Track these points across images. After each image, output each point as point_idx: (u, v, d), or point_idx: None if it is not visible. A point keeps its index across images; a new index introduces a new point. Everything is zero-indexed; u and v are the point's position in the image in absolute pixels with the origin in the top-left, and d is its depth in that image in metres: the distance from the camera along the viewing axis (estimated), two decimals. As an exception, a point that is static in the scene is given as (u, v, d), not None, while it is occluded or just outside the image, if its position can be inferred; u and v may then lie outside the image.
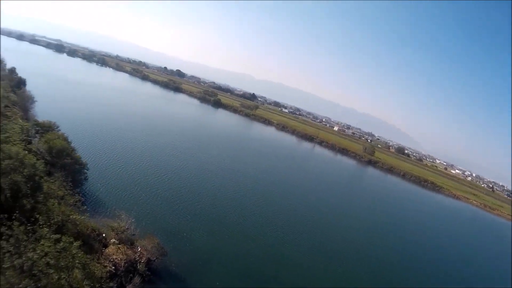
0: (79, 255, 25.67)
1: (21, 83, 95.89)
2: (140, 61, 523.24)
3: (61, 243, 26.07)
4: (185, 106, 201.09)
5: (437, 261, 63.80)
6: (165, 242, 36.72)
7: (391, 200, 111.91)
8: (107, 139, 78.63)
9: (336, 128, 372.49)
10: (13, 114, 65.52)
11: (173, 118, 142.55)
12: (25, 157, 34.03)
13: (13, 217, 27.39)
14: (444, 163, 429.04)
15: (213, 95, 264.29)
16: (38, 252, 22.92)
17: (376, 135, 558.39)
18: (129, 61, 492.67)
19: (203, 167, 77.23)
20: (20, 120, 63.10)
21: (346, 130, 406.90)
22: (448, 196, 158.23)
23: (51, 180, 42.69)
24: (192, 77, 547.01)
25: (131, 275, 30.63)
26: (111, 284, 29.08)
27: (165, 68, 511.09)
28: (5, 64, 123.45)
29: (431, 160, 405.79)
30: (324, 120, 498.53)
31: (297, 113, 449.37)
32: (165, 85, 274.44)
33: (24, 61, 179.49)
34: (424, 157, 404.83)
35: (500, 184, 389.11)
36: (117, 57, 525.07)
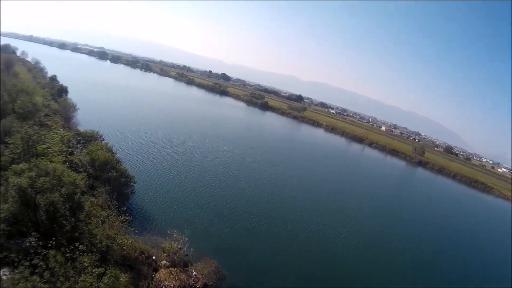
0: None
1: (62, 91, 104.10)
2: (184, 66, 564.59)
3: (106, 278, 24.96)
4: (233, 110, 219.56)
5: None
6: (222, 263, 37.49)
7: (447, 204, 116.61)
8: (153, 146, 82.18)
9: (383, 128, 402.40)
10: (53, 123, 69.43)
11: (222, 122, 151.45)
12: (63, 174, 33.67)
13: (50, 244, 26.09)
14: (491, 162, 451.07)
15: (260, 97, 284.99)
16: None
17: (422, 134, 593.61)
18: (173, 66, 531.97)
19: (256, 174, 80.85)
20: (61, 130, 66.51)
21: (394, 130, 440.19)
22: (499, 197, 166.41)
23: (95, 196, 42.47)
24: (237, 80, 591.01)
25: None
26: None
27: (210, 72, 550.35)
28: (46, 72, 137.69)
29: (478, 159, 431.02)
30: (370, 120, 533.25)
31: (344, 113, 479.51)
32: (211, 89, 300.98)
33: (65, 68, 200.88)
34: (471, 156, 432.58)
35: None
36: (160, 62, 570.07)
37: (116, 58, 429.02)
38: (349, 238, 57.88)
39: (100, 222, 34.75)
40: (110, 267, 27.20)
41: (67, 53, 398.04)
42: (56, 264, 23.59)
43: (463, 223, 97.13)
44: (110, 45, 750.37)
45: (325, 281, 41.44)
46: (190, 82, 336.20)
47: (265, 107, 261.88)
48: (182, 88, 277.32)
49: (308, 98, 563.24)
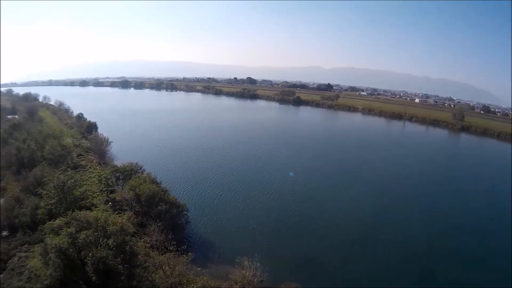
0: None
1: (91, 127, 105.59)
2: (209, 78, 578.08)
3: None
4: (267, 111, 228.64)
5: None
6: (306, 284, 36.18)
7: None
8: (196, 164, 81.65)
9: (417, 100, 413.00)
10: (88, 163, 69.11)
11: (260, 125, 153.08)
12: (107, 223, 31.26)
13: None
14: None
15: (291, 94, 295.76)
16: None
17: (455, 98, 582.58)
18: (197, 81, 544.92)
19: (309, 175, 79.01)
20: (97, 168, 65.61)
21: (427, 100, 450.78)
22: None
23: (147, 234, 39.98)
24: (263, 81, 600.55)
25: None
26: None
27: (235, 78, 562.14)
28: (72, 112, 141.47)
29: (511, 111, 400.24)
30: (402, 94, 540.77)
31: (376, 93, 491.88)
32: (240, 95, 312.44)
33: (90, 104, 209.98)
34: (507, 111, 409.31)
35: None
36: (184, 79, 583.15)
37: (139, 84, 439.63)
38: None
39: (159, 264, 32.36)
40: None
41: (90, 89, 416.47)
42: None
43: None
44: (131, 73, 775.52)
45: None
46: (218, 92, 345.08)
47: (298, 102, 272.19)
48: (211, 100, 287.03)
49: (336, 85, 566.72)
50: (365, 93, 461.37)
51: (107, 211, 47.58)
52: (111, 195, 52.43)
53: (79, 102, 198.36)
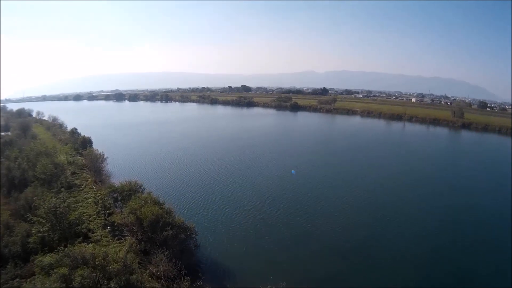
0: None
1: (86, 142, 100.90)
2: (203, 87, 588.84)
3: None
4: (266, 117, 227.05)
5: None
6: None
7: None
8: (198, 177, 77.86)
9: (413, 100, 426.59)
10: (82, 181, 64.44)
11: (261, 132, 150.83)
12: (106, 260, 27.30)
13: None
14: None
15: (287, 99, 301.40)
16: None
17: (450, 96, 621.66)
18: (192, 90, 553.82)
19: (320, 184, 75.42)
20: (93, 187, 60.96)
21: (423, 99, 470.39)
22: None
23: (152, 263, 35.58)
24: (258, 88, 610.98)
25: None
26: None
27: (230, 87, 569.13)
28: (66, 127, 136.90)
29: (510, 106, 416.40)
30: (397, 95, 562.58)
31: (371, 95, 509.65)
32: (236, 103, 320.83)
33: (84, 118, 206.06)
34: (503, 105, 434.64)
35: None
36: (178, 90, 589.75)
37: (133, 97, 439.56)
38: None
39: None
40: None
41: (84, 103, 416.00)
42: None
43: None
44: (125, 85, 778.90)
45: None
46: (213, 101, 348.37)
47: (296, 108, 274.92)
48: (207, 110, 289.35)
49: (331, 89, 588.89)
50: (360, 96, 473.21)
51: (106, 237, 43.18)
52: (109, 217, 47.87)
53: (73, 117, 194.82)
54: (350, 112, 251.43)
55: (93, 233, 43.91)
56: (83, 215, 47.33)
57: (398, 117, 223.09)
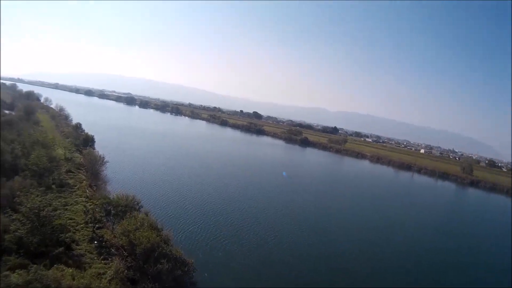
0: None
1: (88, 140, 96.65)
2: (215, 107, 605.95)
3: None
4: (278, 149, 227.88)
5: None
6: None
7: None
8: (201, 199, 72.78)
9: (422, 151, 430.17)
10: (76, 182, 59.49)
11: (273, 163, 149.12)
12: None
13: None
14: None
15: (298, 133, 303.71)
16: None
17: (457, 151, 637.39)
18: (203, 108, 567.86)
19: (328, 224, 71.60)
20: (87, 191, 56.01)
21: (432, 151, 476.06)
22: None
23: None
24: (268, 117, 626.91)
25: None
26: None
27: (241, 111, 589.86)
28: (71, 120, 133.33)
29: None
30: (405, 143, 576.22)
31: (380, 141, 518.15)
32: (247, 129, 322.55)
33: (91, 115, 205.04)
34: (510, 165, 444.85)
35: None
36: (190, 105, 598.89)
37: (144, 103, 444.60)
38: None
39: None
40: None
41: (94, 100, 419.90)
42: None
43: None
44: (137, 91, 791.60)
45: None
46: (223, 123, 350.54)
47: (305, 143, 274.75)
48: (218, 130, 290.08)
49: (340, 129, 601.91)
50: (370, 140, 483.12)
51: (91, 253, 37.99)
52: (99, 230, 42.76)
53: (80, 111, 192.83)
54: (359, 155, 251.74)
55: (77, 245, 38.87)
56: (69, 222, 42.33)
57: (407, 167, 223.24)
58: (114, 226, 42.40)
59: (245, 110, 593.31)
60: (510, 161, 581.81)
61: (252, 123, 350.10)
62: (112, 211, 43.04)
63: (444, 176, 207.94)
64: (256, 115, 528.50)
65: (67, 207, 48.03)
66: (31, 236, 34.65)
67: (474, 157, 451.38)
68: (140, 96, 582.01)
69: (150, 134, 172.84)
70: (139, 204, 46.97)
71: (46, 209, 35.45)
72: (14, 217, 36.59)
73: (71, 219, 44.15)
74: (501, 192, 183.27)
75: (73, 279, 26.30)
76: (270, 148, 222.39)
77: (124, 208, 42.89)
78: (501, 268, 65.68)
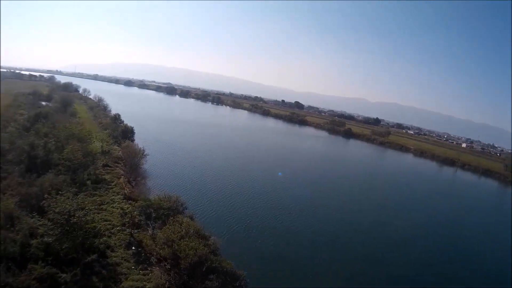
0: None
1: (127, 132, 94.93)
2: (256, 97, 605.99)
3: None
4: (323, 141, 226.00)
5: None
6: None
7: None
8: (257, 203, 66.61)
9: (464, 145, 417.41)
10: (113, 178, 56.45)
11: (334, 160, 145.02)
12: None
13: None
14: None
15: (341, 124, 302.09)
16: None
17: (497, 146, 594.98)
18: (244, 98, 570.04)
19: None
20: (125, 188, 52.87)
21: (473, 145, 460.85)
22: None
23: None
24: (310, 107, 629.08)
25: None
26: None
27: (283, 101, 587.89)
28: (110, 110, 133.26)
29: None
30: (445, 136, 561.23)
31: (422, 133, 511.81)
32: (289, 119, 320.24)
33: (132, 106, 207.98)
34: None
35: None
36: (230, 94, 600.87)
37: (185, 93, 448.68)
38: None
39: None
40: None
41: (134, 90, 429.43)
42: None
43: None
44: (177, 80, 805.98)
45: None
46: (265, 113, 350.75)
47: (349, 134, 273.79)
48: (259, 121, 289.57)
49: (381, 120, 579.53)
50: (411, 132, 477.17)
51: (128, 261, 34.43)
52: (137, 233, 39.16)
53: (119, 102, 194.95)
54: (403, 148, 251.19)
55: (112, 251, 35.56)
56: (104, 225, 39.04)
57: (450, 162, 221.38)
58: (155, 231, 38.63)
59: (285, 100, 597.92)
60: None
61: (295, 114, 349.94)
62: (153, 214, 39.18)
63: (487, 173, 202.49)
64: (298, 105, 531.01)
65: (102, 206, 45.09)
66: (60, 243, 31.62)
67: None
68: (180, 86, 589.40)
69: (192, 125, 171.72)
70: (183, 206, 43.02)
71: (77, 214, 31.96)
72: (41, 222, 33.76)
73: (106, 220, 40.97)
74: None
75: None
76: (317, 140, 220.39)
77: (166, 212, 38.97)
78: None
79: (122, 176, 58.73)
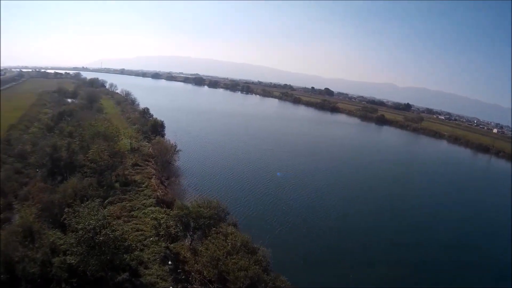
0: None
1: (157, 127, 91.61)
2: (285, 84, 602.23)
3: None
4: (360, 129, 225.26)
5: None
6: None
7: None
8: (303, 203, 61.26)
9: (495, 131, 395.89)
10: (144, 179, 52.27)
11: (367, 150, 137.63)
12: None
13: None
14: None
15: (373, 111, 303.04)
16: None
17: None
18: (274, 86, 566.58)
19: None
20: (158, 190, 48.66)
21: (504, 131, 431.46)
22: None
23: None
24: (339, 93, 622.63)
25: None
26: None
27: (312, 88, 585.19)
28: (138, 104, 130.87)
29: None
30: (475, 122, 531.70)
31: (452, 118, 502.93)
32: (320, 107, 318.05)
33: (161, 98, 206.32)
34: None
35: None
36: (259, 83, 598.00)
37: (214, 83, 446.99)
38: None
39: None
40: None
41: (162, 82, 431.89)
42: None
43: None
44: (204, 71, 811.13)
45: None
46: (296, 101, 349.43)
47: (381, 121, 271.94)
48: (291, 110, 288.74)
49: (411, 106, 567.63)
50: (442, 117, 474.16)
51: (165, 280, 30.27)
52: (174, 245, 34.81)
53: (147, 95, 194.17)
54: (437, 135, 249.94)
55: (146, 268, 31.49)
56: (136, 235, 34.94)
57: (485, 149, 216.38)
58: (194, 242, 34.06)
59: (314, 87, 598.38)
60: None
61: (326, 101, 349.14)
62: (192, 224, 34.45)
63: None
64: (328, 91, 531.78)
65: (132, 212, 41.22)
66: (85, 263, 27.91)
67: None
68: (208, 76, 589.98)
69: (224, 115, 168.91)
70: (225, 212, 38.45)
71: (103, 232, 27.66)
72: (63, 240, 30.00)
73: (138, 230, 36.95)
74: None
75: None
76: (353, 128, 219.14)
77: (207, 221, 34.22)
78: None
79: (154, 176, 54.85)
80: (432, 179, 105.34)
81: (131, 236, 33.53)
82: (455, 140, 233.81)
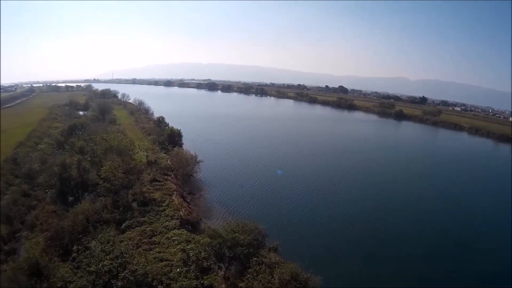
0: None
1: (174, 136, 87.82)
2: (299, 85, 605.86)
3: None
4: (381, 126, 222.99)
5: None
6: None
7: None
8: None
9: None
10: (165, 197, 47.53)
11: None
12: None
13: None
14: None
15: (391, 106, 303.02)
16: None
17: None
18: (287, 87, 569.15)
19: None
20: (181, 209, 43.95)
21: None
22: None
23: None
24: (353, 90, 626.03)
25: None
26: None
27: (327, 86, 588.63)
28: (152, 113, 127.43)
29: None
30: (490, 111, 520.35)
31: (468, 109, 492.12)
32: (337, 105, 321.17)
33: (175, 106, 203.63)
34: None
35: None
36: (272, 84, 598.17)
37: (227, 87, 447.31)
38: None
39: None
40: None
41: (175, 89, 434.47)
42: None
43: None
44: (216, 76, 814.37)
45: None
46: (312, 100, 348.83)
47: (400, 116, 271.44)
48: (308, 109, 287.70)
49: (426, 99, 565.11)
50: (458, 109, 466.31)
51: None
52: (207, 278, 30.06)
53: (161, 103, 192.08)
54: (457, 127, 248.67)
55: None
56: (160, 266, 30.15)
57: (506, 139, 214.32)
58: (228, 272, 29.08)
59: (327, 85, 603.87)
60: None
61: (342, 99, 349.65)
62: (227, 254, 29.41)
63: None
64: (342, 89, 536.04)
65: (154, 238, 36.42)
66: None
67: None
68: (220, 81, 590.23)
69: (241, 119, 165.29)
70: (263, 234, 33.40)
71: (122, 275, 23.02)
72: (73, 284, 25.60)
73: (162, 260, 32.08)
74: None
75: None
76: (373, 125, 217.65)
77: (246, 250, 29.07)
78: None
79: (175, 192, 50.06)
80: (466, 176, 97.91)
81: (154, 269, 28.93)
82: (476, 131, 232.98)
